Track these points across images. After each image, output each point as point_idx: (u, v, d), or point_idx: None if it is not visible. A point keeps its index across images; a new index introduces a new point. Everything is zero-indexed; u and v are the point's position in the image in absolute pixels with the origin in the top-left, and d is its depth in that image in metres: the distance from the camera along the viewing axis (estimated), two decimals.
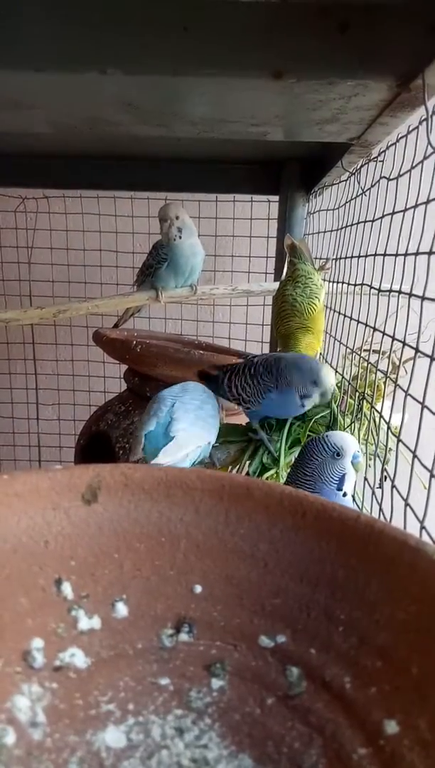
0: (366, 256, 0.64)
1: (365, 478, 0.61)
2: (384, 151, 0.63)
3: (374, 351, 0.70)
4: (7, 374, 1.41)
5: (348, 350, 0.73)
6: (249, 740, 0.26)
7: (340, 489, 0.51)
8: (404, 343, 0.52)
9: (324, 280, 0.83)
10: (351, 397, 0.71)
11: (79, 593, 0.31)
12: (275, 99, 0.52)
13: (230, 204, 1.21)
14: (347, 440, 0.51)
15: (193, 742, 0.26)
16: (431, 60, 0.41)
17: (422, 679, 0.25)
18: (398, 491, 0.50)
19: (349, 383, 0.71)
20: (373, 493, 0.57)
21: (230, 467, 0.74)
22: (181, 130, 0.64)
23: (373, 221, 0.63)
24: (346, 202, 0.75)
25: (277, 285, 0.86)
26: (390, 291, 0.54)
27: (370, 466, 0.63)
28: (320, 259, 0.88)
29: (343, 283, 0.74)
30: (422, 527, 0.44)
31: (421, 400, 0.45)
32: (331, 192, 0.87)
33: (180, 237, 1.01)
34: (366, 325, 0.63)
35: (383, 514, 0.54)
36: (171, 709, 0.28)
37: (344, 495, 0.52)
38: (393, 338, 0.55)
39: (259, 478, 0.67)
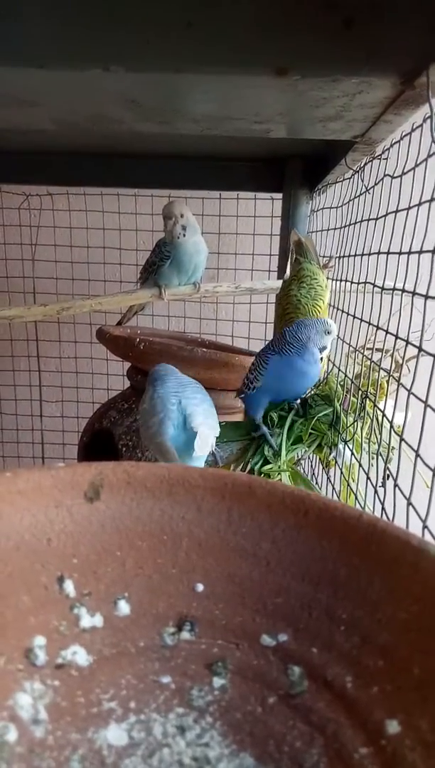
0: (369, 254, 0.64)
1: (368, 477, 0.61)
2: (388, 148, 0.63)
3: (377, 349, 0.70)
4: (11, 371, 1.41)
5: (351, 349, 0.73)
6: (250, 739, 0.27)
7: (321, 353, 0.68)
8: (407, 342, 0.51)
9: (327, 278, 0.83)
10: (354, 396, 0.70)
11: (81, 591, 0.31)
12: (279, 96, 0.51)
13: (234, 201, 1.20)
14: (333, 325, 0.68)
15: (195, 740, 0.26)
16: None
17: (424, 679, 0.25)
18: (401, 490, 0.50)
19: (352, 382, 0.71)
20: (376, 492, 0.57)
21: (233, 465, 0.74)
22: (184, 127, 0.64)
23: (376, 219, 0.63)
24: (350, 200, 0.75)
25: (280, 283, 0.86)
26: (393, 289, 0.54)
27: (372, 465, 0.63)
28: (324, 257, 0.88)
29: (346, 281, 0.74)
30: (425, 526, 0.44)
31: (424, 398, 0.45)
32: (335, 190, 0.87)
33: (184, 235, 1.01)
34: (369, 323, 0.63)
35: (386, 513, 0.54)
36: (172, 708, 0.28)
37: (321, 359, 0.70)
38: (396, 337, 0.55)
39: (261, 476, 0.67)
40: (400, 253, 0.53)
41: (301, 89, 0.49)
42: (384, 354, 0.70)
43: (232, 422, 0.79)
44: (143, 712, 0.28)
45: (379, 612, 0.28)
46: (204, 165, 1.07)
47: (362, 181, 0.69)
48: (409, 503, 0.46)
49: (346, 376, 0.74)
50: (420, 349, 0.47)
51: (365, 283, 0.64)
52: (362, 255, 0.67)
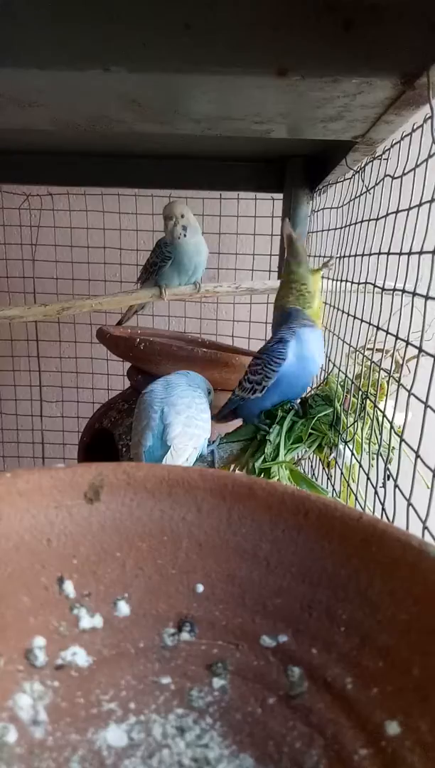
0: (370, 254, 0.64)
1: (368, 478, 0.61)
2: (389, 149, 0.63)
3: (378, 349, 0.70)
4: (11, 371, 1.41)
5: (351, 349, 0.73)
6: (250, 740, 0.26)
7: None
8: (408, 342, 0.51)
9: (327, 278, 0.83)
10: (354, 396, 0.70)
11: (81, 592, 0.31)
12: (279, 97, 0.51)
13: (234, 201, 1.20)
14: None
15: (195, 741, 0.26)
16: None
17: (424, 680, 0.25)
18: (401, 491, 0.50)
19: (352, 382, 0.71)
20: (376, 492, 0.57)
21: (233, 466, 0.74)
22: (184, 127, 0.64)
23: (377, 219, 0.62)
24: (350, 200, 0.75)
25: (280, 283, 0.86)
26: (394, 290, 0.54)
27: (372, 465, 0.63)
28: (323, 257, 0.88)
29: (346, 281, 0.74)
30: (425, 527, 0.43)
31: (424, 399, 0.45)
32: (335, 190, 0.87)
33: (184, 235, 1.01)
34: (369, 324, 0.63)
35: (386, 514, 0.54)
36: (172, 709, 0.28)
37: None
38: (396, 337, 0.55)
39: (262, 475, 0.67)
40: (400, 254, 0.53)
41: (301, 90, 0.49)
42: (384, 354, 0.70)
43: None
44: (143, 712, 0.28)
45: (379, 613, 0.28)
46: (204, 165, 1.07)
47: (363, 181, 0.69)
48: (410, 504, 0.46)
49: (346, 376, 0.74)
50: (420, 349, 0.47)
51: (365, 283, 0.64)
52: (362, 255, 0.67)
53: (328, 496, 0.65)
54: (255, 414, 0.74)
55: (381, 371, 0.65)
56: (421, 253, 0.47)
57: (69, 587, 0.30)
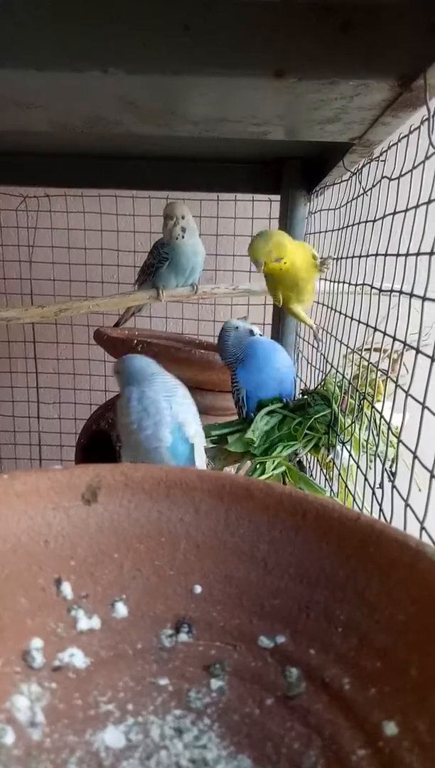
0: (367, 256, 0.64)
1: (365, 479, 0.61)
2: (386, 150, 0.63)
3: (375, 349, 0.70)
4: (8, 373, 1.41)
5: (348, 350, 0.73)
6: (248, 741, 0.26)
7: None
8: (405, 344, 0.51)
9: (325, 279, 0.83)
10: (352, 397, 0.71)
11: (78, 593, 0.31)
12: (276, 98, 0.51)
13: (231, 203, 1.20)
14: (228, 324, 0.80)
15: (192, 742, 0.26)
16: (433, 60, 0.41)
17: (421, 680, 0.25)
18: (398, 492, 0.50)
19: (350, 383, 0.71)
20: (374, 493, 0.57)
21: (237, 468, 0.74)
22: (182, 129, 0.64)
23: (374, 221, 0.63)
24: (348, 202, 0.75)
25: None
26: (391, 291, 0.54)
27: (370, 467, 0.63)
28: (320, 258, 0.88)
29: (344, 282, 0.74)
30: (422, 528, 0.44)
31: (421, 400, 0.45)
32: (333, 192, 0.87)
33: (183, 236, 1.01)
34: (367, 325, 0.63)
35: (383, 514, 0.54)
36: (170, 710, 0.28)
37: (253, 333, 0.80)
38: (394, 338, 0.55)
39: (259, 478, 0.67)
40: (397, 255, 0.53)
41: (298, 91, 0.49)
42: (382, 355, 0.70)
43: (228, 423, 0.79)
44: (141, 714, 0.28)
45: (377, 613, 0.28)
46: (202, 167, 1.07)
47: (360, 183, 0.69)
48: (407, 505, 0.47)
49: (343, 377, 0.74)
50: (417, 350, 0.47)
51: (363, 284, 0.64)
52: (360, 257, 0.67)
53: (325, 495, 0.66)
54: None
55: (378, 372, 0.65)
56: (418, 254, 0.47)
57: (66, 589, 0.30)
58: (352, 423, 0.68)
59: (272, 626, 0.30)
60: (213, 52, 0.43)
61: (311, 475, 0.89)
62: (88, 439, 1.07)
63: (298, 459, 0.76)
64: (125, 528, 0.33)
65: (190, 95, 0.52)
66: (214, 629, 0.31)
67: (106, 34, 0.43)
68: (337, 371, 0.76)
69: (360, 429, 0.67)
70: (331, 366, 0.79)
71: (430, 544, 0.28)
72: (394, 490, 0.51)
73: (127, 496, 0.33)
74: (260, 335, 0.79)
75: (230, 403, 0.83)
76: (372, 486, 0.59)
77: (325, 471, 0.77)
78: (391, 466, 0.57)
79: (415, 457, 0.46)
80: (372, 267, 0.62)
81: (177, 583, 0.32)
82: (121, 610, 0.31)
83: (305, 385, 0.98)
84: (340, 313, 0.75)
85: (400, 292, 0.52)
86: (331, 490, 0.75)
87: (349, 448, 0.67)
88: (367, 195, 0.66)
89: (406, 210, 0.51)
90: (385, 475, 0.56)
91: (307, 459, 0.87)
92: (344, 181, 0.80)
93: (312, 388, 0.84)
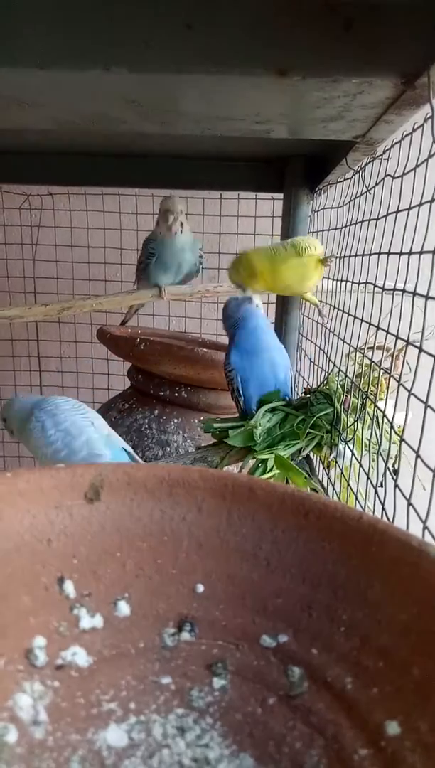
0: (370, 254, 0.64)
1: (368, 478, 0.61)
2: (389, 149, 0.63)
3: (378, 347, 0.70)
4: (11, 371, 1.41)
5: (351, 349, 0.73)
6: (250, 740, 0.27)
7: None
8: (408, 342, 0.51)
9: (327, 278, 0.83)
10: (354, 396, 0.70)
11: (81, 592, 0.31)
12: (279, 97, 0.51)
13: (234, 201, 1.20)
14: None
15: (195, 741, 0.26)
16: None
17: (424, 680, 0.25)
18: (401, 491, 0.50)
19: (352, 382, 0.71)
20: (376, 492, 0.57)
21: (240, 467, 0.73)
22: (185, 127, 0.64)
23: (377, 219, 0.62)
24: (351, 200, 0.75)
25: None
26: (394, 290, 0.54)
27: (372, 465, 0.63)
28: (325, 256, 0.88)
29: (347, 281, 0.74)
30: (425, 527, 0.43)
31: (424, 398, 0.45)
32: (336, 190, 0.87)
33: (181, 231, 1.01)
34: (370, 323, 0.63)
35: (386, 513, 0.54)
36: (172, 709, 0.28)
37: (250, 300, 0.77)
38: (397, 337, 0.55)
39: (261, 477, 0.67)
40: (400, 254, 0.53)
41: (301, 90, 0.48)
42: (385, 353, 0.70)
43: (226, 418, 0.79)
44: (143, 712, 0.28)
45: (379, 613, 0.28)
46: (205, 165, 1.06)
47: (363, 181, 0.69)
48: (410, 504, 0.46)
49: (346, 376, 0.74)
50: (420, 349, 0.47)
51: (366, 283, 0.64)
52: (363, 255, 0.67)
53: (305, 481, 0.66)
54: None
55: (380, 370, 0.65)
56: (421, 252, 0.47)
57: (69, 587, 0.31)
58: (354, 422, 0.68)
59: (274, 625, 0.30)
60: (215, 50, 0.43)
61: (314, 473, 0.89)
62: None
63: (301, 456, 0.76)
64: (128, 527, 0.33)
65: (193, 94, 0.52)
66: (216, 628, 0.31)
67: (109, 33, 0.43)
68: (340, 370, 0.76)
69: (362, 428, 0.66)
70: (334, 364, 0.79)
71: (432, 544, 0.28)
72: (397, 489, 0.51)
73: (130, 495, 0.33)
74: (257, 306, 0.78)
75: (232, 402, 0.83)
76: (374, 485, 0.58)
77: (327, 470, 0.77)
78: (393, 464, 0.57)
79: (417, 456, 0.46)
80: (375, 265, 0.62)
81: (179, 582, 0.32)
82: (124, 608, 0.31)
83: (308, 383, 0.98)
84: (343, 311, 0.75)
85: (403, 290, 0.51)
86: (334, 489, 0.75)
87: (351, 446, 0.67)
88: (370, 193, 0.66)
89: (410, 208, 0.51)
90: (388, 473, 0.56)
91: (309, 458, 0.87)
92: (347, 179, 0.80)
93: (315, 386, 0.84)
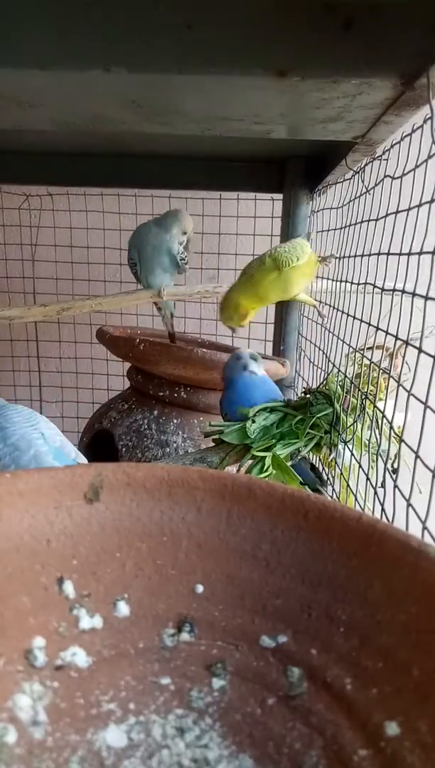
0: (370, 255, 0.64)
1: (367, 478, 0.61)
2: (388, 149, 0.63)
3: (378, 347, 0.70)
4: (11, 371, 1.41)
5: (350, 349, 0.73)
6: (249, 740, 0.26)
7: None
8: (407, 343, 0.51)
9: (326, 278, 0.83)
10: (354, 396, 0.70)
11: (80, 592, 0.31)
12: (279, 97, 0.51)
13: (234, 202, 1.20)
14: (240, 353, 0.77)
15: (194, 741, 0.26)
16: None
17: (423, 680, 0.25)
18: (400, 491, 0.50)
19: (352, 382, 0.71)
20: (375, 493, 0.57)
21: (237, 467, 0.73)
22: (184, 127, 0.64)
23: (376, 220, 0.63)
24: (350, 201, 0.75)
25: None
26: (393, 290, 0.54)
27: (372, 466, 0.63)
28: (323, 255, 0.88)
29: (346, 281, 0.74)
30: (424, 528, 0.43)
31: (424, 399, 0.45)
32: (335, 190, 0.87)
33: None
34: (369, 324, 0.63)
35: (385, 514, 0.54)
36: (172, 709, 0.28)
37: (254, 373, 0.76)
38: (396, 337, 0.55)
39: (261, 477, 0.66)
40: (400, 254, 0.53)
41: (301, 90, 0.49)
42: (384, 353, 0.70)
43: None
44: (142, 713, 0.28)
45: (379, 613, 0.28)
46: (204, 165, 1.07)
47: (362, 181, 0.69)
48: (409, 504, 0.46)
49: (345, 376, 0.74)
50: (420, 350, 0.47)
51: (365, 283, 0.64)
52: (362, 256, 0.67)
53: (297, 483, 0.66)
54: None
55: (380, 371, 0.65)
56: (420, 253, 0.47)
57: (69, 587, 0.30)
58: (354, 422, 0.68)
59: (274, 626, 0.30)
60: (215, 51, 0.43)
61: None
62: (91, 438, 1.07)
63: (301, 456, 0.75)
64: (127, 527, 0.33)
65: (193, 94, 0.52)
66: (215, 629, 0.31)
67: (109, 34, 0.43)
68: (339, 370, 0.76)
69: (362, 428, 0.66)
70: (333, 365, 0.79)
71: (432, 544, 0.28)
72: (396, 489, 0.51)
73: (129, 495, 0.33)
74: (252, 373, 0.77)
75: None
76: (374, 486, 0.58)
77: (326, 470, 0.77)
78: (392, 465, 0.57)
79: (417, 456, 0.46)
80: (374, 266, 0.62)
81: (179, 583, 0.32)
82: (123, 609, 0.31)
83: (307, 384, 0.98)
84: (343, 311, 0.75)
85: (403, 291, 0.51)
86: (333, 489, 0.75)
87: (350, 447, 0.67)
88: (369, 194, 0.66)
89: (409, 209, 0.51)
90: (387, 474, 0.56)
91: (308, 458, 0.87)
92: (347, 179, 0.80)
93: (314, 387, 0.84)
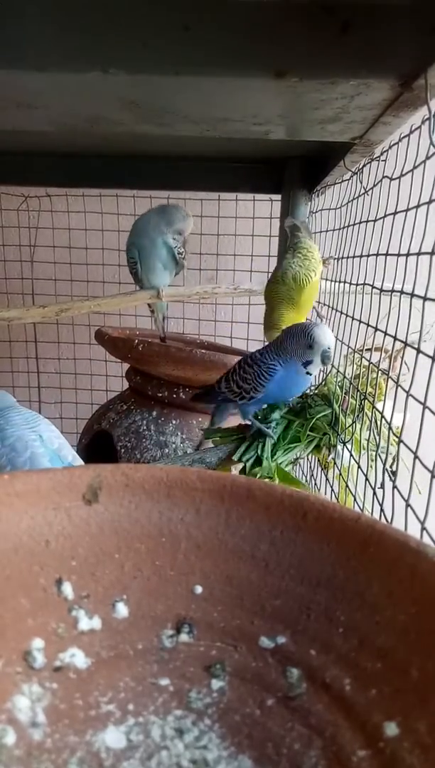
0: (368, 255, 0.64)
1: (366, 479, 0.61)
2: (386, 150, 0.63)
3: (376, 348, 0.70)
4: (10, 372, 1.41)
5: (349, 350, 0.73)
6: (249, 741, 0.26)
7: (305, 367, 0.65)
8: (405, 344, 0.51)
9: (326, 279, 0.83)
10: (353, 397, 0.71)
11: (79, 593, 0.31)
12: (277, 98, 0.51)
13: (232, 203, 1.20)
14: (321, 336, 0.63)
15: (193, 743, 0.26)
16: (433, 60, 0.41)
17: (422, 681, 0.25)
18: (399, 492, 0.50)
19: (350, 383, 0.71)
20: (374, 493, 0.57)
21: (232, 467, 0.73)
22: (183, 129, 0.64)
23: (375, 221, 0.63)
24: (349, 202, 0.75)
25: None
26: (392, 291, 0.54)
27: (371, 466, 0.63)
28: (322, 258, 0.88)
29: (345, 282, 0.74)
30: (423, 528, 0.44)
31: (422, 399, 0.45)
32: (334, 191, 0.87)
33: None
34: (368, 325, 0.63)
35: (384, 515, 0.54)
36: (171, 710, 0.28)
37: (308, 374, 0.66)
38: (395, 338, 0.55)
39: (258, 478, 0.67)
40: (398, 255, 0.53)
41: (299, 91, 0.49)
42: (383, 354, 0.70)
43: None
44: (141, 714, 0.28)
45: (378, 614, 0.28)
46: (203, 166, 1.07)
47: (361, 182, 0.69)
48: (408, 505, 0.46)
49: (344, 377, 0.74)
50: (418, 350, 0.47)
51: (364, 284, 0.64)
52: (361, 256, 0.67)
53: (306, 488, 0.65)
54: (249, 412, 0.73)
55: (378, 371, 0.65)
56: (419, 254, 0.47)
57: (67, 589, 0.30)
58: (352, 423, 0.68)
59: (273, 627, 0.30)
60: (213, 52, 0.43)
61: (312, 475, 0.89)
62: (90, 438, 1.07)
63: (296, 458, 0.75)
64: (126, 528, 0.33)
65: (190, 95, 0.52)
66: (214, 629, 0.31)
67: (107, 35, 0.43)
68: (338, 371, 0.76)
69: (361, 429, 0.66)
70: (332, 365, 0.79)
71: (430, 545, 0.28)
72: (395, 490, 0.51)
73: (128, 497, 0.33)
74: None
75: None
76: (373, 486, 0.59)
77: (325, 471, 0.77)
78: (391, 465, 0.57)
79: (416, 457, 0.46)
80: (373, 267, 0.62)
81: (178, 584, 0.32)
82: (122, 610, 0.31)
83: None
84: (341, 312, 0.75)
85: (401, 291, 0.52)
86: (332, 490, 0.75)
87: (349, 448, 0.67)
88: (367, 195, 0.66)
89: (407, 210, 0.51)
90: (386, 474, 0.56)
91: (307, 459, 0.87)
92: (345, 180, 0.80)
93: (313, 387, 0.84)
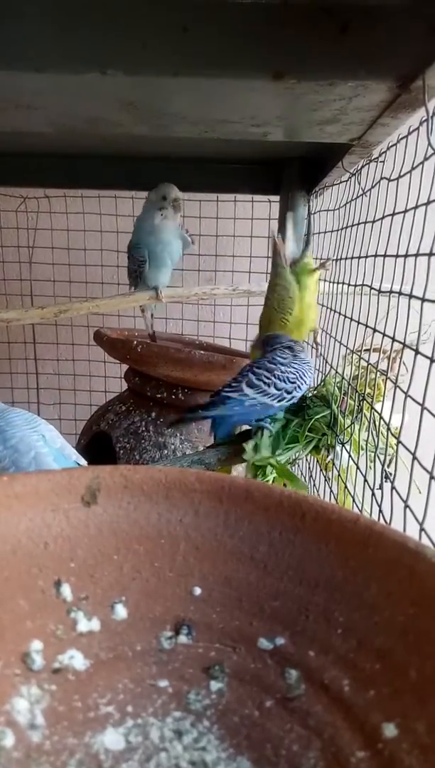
0: (366, 256, 0.64)
1: (365, 480, 0.61)
2: (385, 151, 0.63)
3: (375, 349, 0.70)
4: (8, 374, 1.41)
5: (348, 351, 0.73)
6: (247, 742, 0.26)
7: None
8: (404, 344, 0.51)
9: (324, 280, 0.83)
10: (351, 398, 0.71)
11: (78, 595, 0.31)
12: (276, 100, 0.51)
13: (231, 204, 1.20)
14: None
15: (192, 744, 0.26)
16: (431, 61, 0.41)
17: (421, 682, 0.25)
18: (398, 493, 0.50)
19: (349, 384, 0.71)
20: (373, 494, 0.57)
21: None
22: (181, 130, 0.64)
23: (373, 222, 0.63)
24: (347, 203, 0.75)
25: None
26: (390, 292, 0.54)
27: (370, 467, 0.63)
28: (320, 259, 0.88)
29: (343, 283, 0.74)
30: (422, 529, 0.44)
31: (421, 400, 0.45)
32: (332, 192, 0.87)
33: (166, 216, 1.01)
34: (366, 326, 0.63)
35: (383, 515, 0.54)
36: (170, 712, 0.28)
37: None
38: (393, 339, 0.55)
39: (259, 480, 0.67)
40: (396, 256, 0.53)
41: (297, 93, 0.49)
42: (381, 355, 0.70)
43: None
44: (140, 716, 0.28)
45: (376, 615, 0.28)
46: (201, 167, 1.07)
47: (359, 183, 0.69)
48: (407, 506, 0.47)
49: (342, 378, 0.74)
50: (416, 351, 0.47)
51: (362, 285, 0.64)
52: (359, 257, 0.67)
53: (307, 489, 0.65)
54: (260, 419, 0.72)
55: (377, 372, 0.65)
56: (417, 255, 0.47)
57: (66, 590, 0.30)
58: (351, 424, 0.68)
59: (272, 628, 0.30)
60: (212, 53, 0.43)
61: (311, 476, 0.89)
62: (89, 439, 1.07)
63: (295, 459, 0.75)
64: (124, 530, 0.33)
65: (189, 96, 0.52)
66: (213, 631, 0.31)
67: (105, 36, 0.43)
68: (337, 372, 0.76)
69: (359, 430, 0.66)
70: (331, 366, 0.79)
71: (429, 546, 0.28)
72: (394, 491, 0.51)
73: (127, 498, 0.33)
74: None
75: None
76: (372, 487, 0.59)
77: (324, 472, 0.77)
78: (389, 466, 0.57)
79: (414, 458, 0.46)
80: (371, 268, 0.62)
81: (176, 585, 0.32)
82: (121, 611, 0.31)
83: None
84: (340, 313, 0.75)
85: (399, 292, 0.52)
86: (331, 491, 0.75)
87: (348, 448, 0.67)
88: (366, 196, 0.66)
89: (405, 211, 0.51)
90: (384, 475, 0.56)
91: (306, 460, 0.87)
92: (344, 181, 0.80)
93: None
